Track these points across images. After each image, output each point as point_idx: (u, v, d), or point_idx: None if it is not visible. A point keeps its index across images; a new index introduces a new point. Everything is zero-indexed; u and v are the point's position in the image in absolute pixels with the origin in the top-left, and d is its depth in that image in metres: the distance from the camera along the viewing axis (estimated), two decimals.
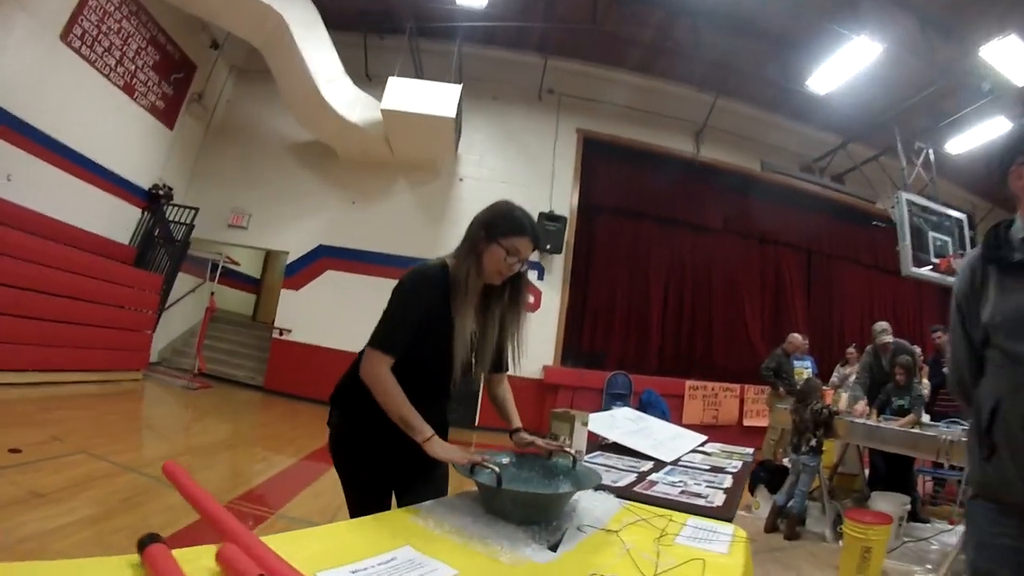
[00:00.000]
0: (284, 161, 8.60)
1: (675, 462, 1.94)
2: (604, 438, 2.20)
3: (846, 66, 6.99)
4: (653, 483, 1.55)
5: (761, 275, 9.39)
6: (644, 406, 6.55)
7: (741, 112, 9.13)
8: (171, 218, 7.76)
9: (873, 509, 3.52)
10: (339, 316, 7.60)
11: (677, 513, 1.23)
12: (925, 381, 5.41)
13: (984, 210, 9.92)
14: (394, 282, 1.40)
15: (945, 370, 4.66)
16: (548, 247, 8.00)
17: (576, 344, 8.30)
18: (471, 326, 1.38)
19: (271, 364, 7.96)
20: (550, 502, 1.11)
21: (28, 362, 5.23)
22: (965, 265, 1.16)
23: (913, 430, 3.66)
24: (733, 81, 8.49)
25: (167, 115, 7.91)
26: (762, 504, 4.14)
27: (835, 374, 6.37)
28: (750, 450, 2.63)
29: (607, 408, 4.50)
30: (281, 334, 7.97)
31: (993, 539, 1.01)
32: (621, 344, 8.51)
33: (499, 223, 1.39)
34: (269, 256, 11.49)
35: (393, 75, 7.12)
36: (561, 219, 8.15)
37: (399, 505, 1.50)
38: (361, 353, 1.38)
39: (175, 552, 0.67)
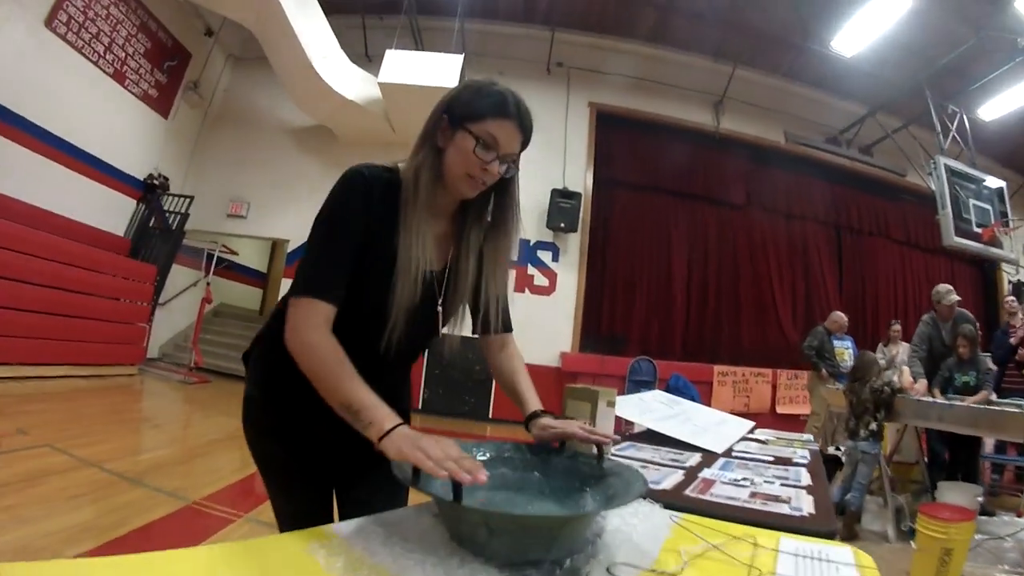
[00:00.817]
0: (283, 148, 8.30)
1: (728, 453, 1.52)
2: (631, 426, 1.79)
3: (872, 24, 6.50)
4: (710, 483, 1.12)
5: (789, 253, 8.83)
6: (672, 393, 6.06)
7: (762, 82, 8.66)
8: (168, 208, 7.48)
9: (941, 502, 3.06)
10: None
11: (761, 530, 0.81)
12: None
13: (1016, 184, 9.27)
14: None
15: (1012, 341, 4.15)
16: (562, 225, 7.55)
17: (595, 329, 7.85)
18: (422, 255, 0.92)
19: None
20: (555, 528, 0.65)
21: (16, 355, 4.94)
22: None
23: (992, 408, 3.16)
24: (751, 49, 8.04)
25: (161, 104, 7.64)
26: None
27: (879, 354, 5.82)
28: (808, 436, 2.20)
29: None
30: None
31: None
32: (643, 328, 8.03)
33: (468, 100, 0.93)
34: (275, 250, 11.23)
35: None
36: (576, 196, 7.67)
37: (339, 513, 1.09)
38: (284, 300, 0.93)
39: None
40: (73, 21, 6.02)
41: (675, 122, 8.45)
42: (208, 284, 7.68)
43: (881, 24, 6.48)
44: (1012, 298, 5.03)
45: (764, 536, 0.78)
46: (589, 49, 8.31)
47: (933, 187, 6.65)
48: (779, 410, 7.29)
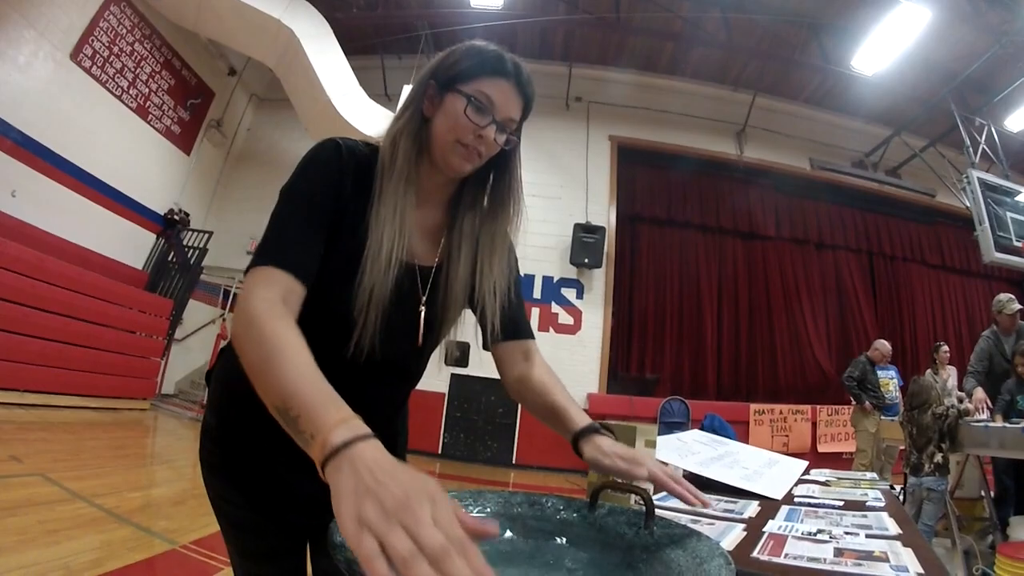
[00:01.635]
0: None
1: (789, 499, 1.27)
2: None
3: (891, 41, 6.43)
4: (781, 539, 0.88)
5: (821, 283, 8.51)
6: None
7: (783, 109, 8.61)
8: (187, 243, 7.50)
9: (1017, 540, 2.69)
10: None
11: None
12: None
13: None
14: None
15: None
16: (587, 261, 7.33)
17: (624, 368, 7.56)
18: (397, 238, 0.73)
19: None
20: None
21: (22, 381, 4.83)
22: None
23: None
24: (771, 75, 8.03)
25: (184, 140, 7.79)
26: None
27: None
28: (872, 474, 1.91)
29: None
30: None
31: None
32: (674, 367, 7.73)
33: (457, 60, 0.77)
34: None
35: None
36: (599, 230, 7.46)
37: (313, 571, 0.87)
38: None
39: None
40: (98, 56, 6.19)
41: (697, 153, 8.33)
42: (224, 320, 7.61)
43: (900, 41, 6.41)
44: None
45: None
46: (607, 83, 8.32)
47: (968, 203, 6.41)
48: (820, 448, 6.84)
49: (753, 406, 7.00)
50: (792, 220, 8.54)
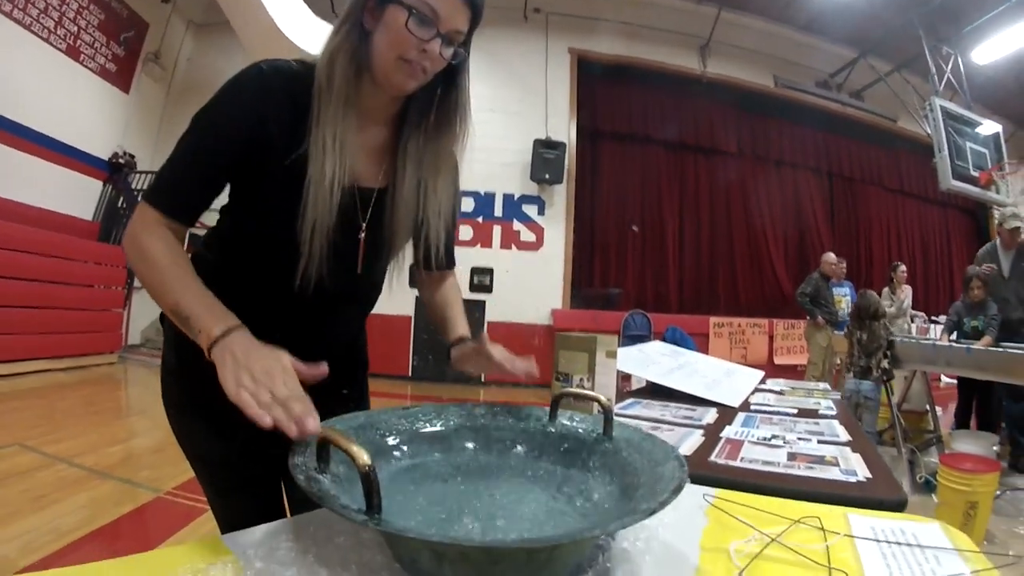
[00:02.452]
0: None
1: (745, 406, 1.35)
2: (628, 382, 1.62)
3: None
4: (737, 444, 0.94)
5: (781, 201, 8.67)
6: None
7: (749, 25, 8.28)
8: (136, 187, 7.14)
9: (959, 452, 2.93)
10: None
11: (821, 507, 0.62)
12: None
13: (1007, 132, 9.08)
14: None
15: None
16: (547, 177, 7.20)
17: (587, 284, 7.67)
18: (338, 161, 0.71)
19: None
20: (542, 555, 0.42)
21: None
22: None
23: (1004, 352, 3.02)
24: None
25: (121, 78, 7.22)
26: None
27: (886, 300, 5.32)
28: (825, 384, 2.05)
29: None
30: None
31: None
32: (636, 281, 7.89)
33: None
34: None
35: None
36: (560, 146, 7.29)
37: (288, 502, 0.90)
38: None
39: None
40: None
41: (660, 67, 8.10)
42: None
43: None
44: None
45: (828, 515, 0.59)
46: None
47: (928, 130, 6.48)
48: (777, 361, 7.21)
49: (713, 319, 7.25)
50: (754, 138, 8.54)
